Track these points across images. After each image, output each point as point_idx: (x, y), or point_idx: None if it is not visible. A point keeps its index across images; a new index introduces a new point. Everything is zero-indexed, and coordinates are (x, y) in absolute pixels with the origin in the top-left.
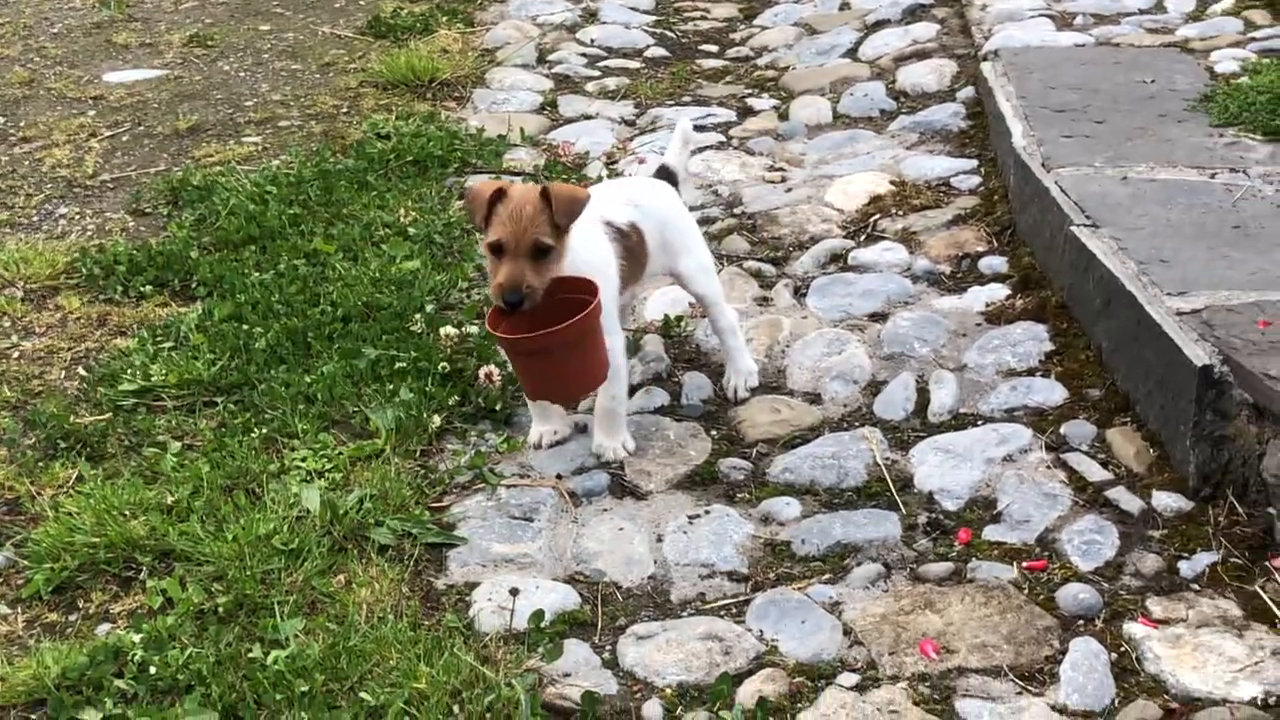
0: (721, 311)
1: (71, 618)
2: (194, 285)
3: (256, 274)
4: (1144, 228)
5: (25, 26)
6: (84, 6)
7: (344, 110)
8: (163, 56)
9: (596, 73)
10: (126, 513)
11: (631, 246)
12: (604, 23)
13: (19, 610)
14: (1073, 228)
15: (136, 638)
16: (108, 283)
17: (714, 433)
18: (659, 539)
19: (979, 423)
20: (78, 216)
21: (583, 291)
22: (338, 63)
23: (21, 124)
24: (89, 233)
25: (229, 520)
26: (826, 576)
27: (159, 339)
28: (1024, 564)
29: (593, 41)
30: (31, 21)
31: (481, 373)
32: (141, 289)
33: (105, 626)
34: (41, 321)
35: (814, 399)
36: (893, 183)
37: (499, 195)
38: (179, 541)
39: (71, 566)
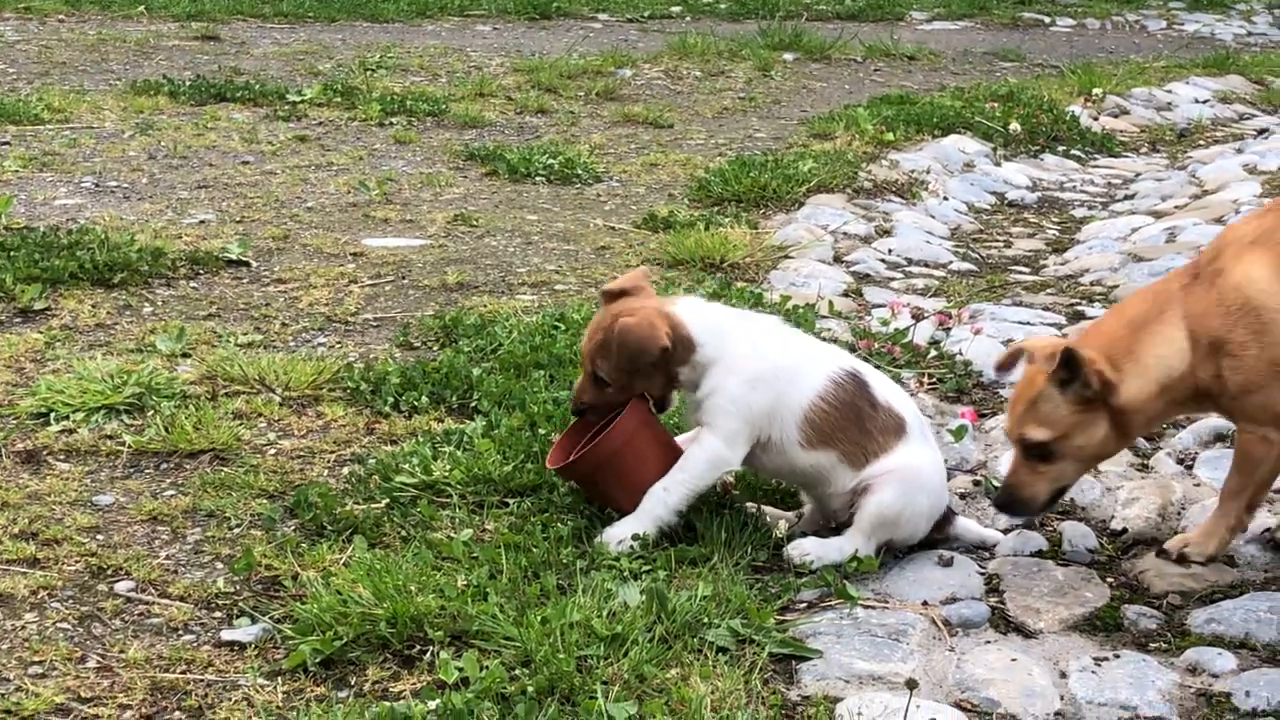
0: None
1: (342, 694)
2: (476, 400)
3: (547, 392)
4: None
5: (278, 200)
6: (338, 190)
7: None
8: (425, 230)
9: (899, 275)
10: (412, 588)
11: (868, 419)
12: (900, 237)
13: (278, 682)
14: None
15: (431, 705)
16: (376, 396)
17: (1109, 580)
18: (1062, 675)
19: None
20: (338, 345)
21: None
22: (614, 246)
23: (276, 269)
24: (351, 358)
25: (532, 605)
26: None
27: (439, 443)
28: None
29: (890, 251)
30: (284, 198)
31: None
32: (415, 403)
33: (385, 705)
34: (301, 425)
35: (1225, 560)
36: None
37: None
38: (478, 620)
39: (345, 638)
